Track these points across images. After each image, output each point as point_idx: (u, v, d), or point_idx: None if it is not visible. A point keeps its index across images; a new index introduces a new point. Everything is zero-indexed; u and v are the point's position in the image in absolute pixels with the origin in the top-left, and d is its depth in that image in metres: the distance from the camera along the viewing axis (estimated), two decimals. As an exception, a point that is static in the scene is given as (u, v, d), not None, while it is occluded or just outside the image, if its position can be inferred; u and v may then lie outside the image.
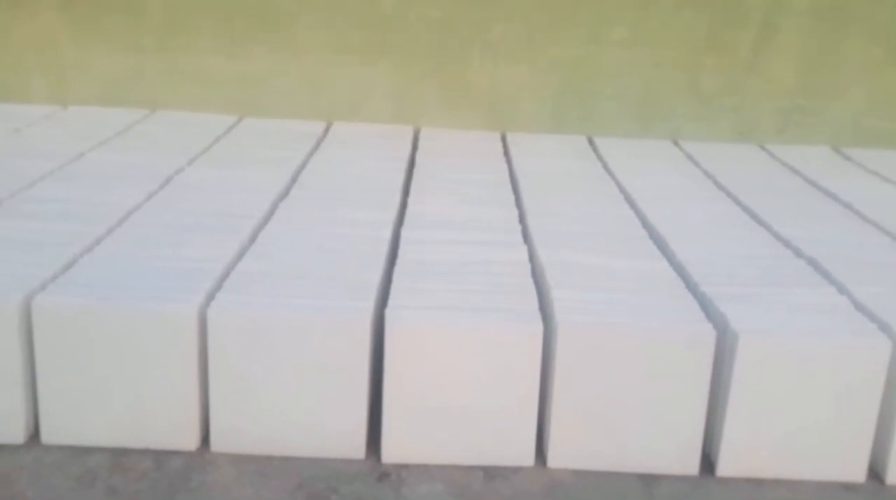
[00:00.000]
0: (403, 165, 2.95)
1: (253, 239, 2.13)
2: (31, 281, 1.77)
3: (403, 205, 2.51)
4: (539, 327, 1.72)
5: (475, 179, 2.80)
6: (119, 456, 1.71)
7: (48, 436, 1.73)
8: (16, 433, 1.72)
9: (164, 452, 1.73)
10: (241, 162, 2.84)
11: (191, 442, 1.74)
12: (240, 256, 2.01)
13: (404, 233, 2.23)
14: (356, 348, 1.71)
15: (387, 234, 2.22)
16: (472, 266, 2.01)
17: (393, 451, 1.74)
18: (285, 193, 2.55)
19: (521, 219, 2.40)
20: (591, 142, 3.42)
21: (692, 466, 1.76)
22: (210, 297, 1.76)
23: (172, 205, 2.34)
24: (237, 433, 1.74)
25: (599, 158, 3.18)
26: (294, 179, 2.70)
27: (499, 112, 3.49)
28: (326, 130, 3.38)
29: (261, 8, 3.40)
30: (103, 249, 1.99)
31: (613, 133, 3.48)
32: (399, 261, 2.03)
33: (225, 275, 1.89)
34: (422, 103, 3.47)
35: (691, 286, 1.97)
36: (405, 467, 1.73)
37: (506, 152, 3.20)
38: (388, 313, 1.74)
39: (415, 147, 3.22)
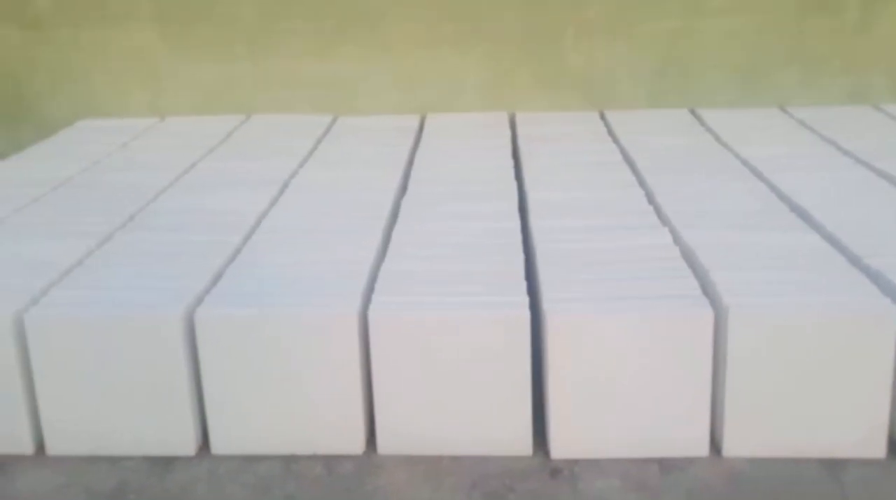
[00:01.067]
0: (508, 152, 2.90)
1: (387, 238, 2.12)
2: (186, 294, 1.78)
3: (521, 192, 2.46)
4: (709, 312, 1.65)
5: (588, 161, 2.73)
6: (289, 463, 1.71)
7: (218, 446, 1.75)
8: (187, 445, 1.74)
9: (333, 457, 1.72)
10: (347, 161, 2.83)
11: (357, 446, 1.73)
12: (380, 256, 2.00)
13: (534, 222, 2.18)
14: (517, 343, 1.67)
15: (515, 224, 2.18)
16: (617, 253, 1.95)
17: (562, 446, 1.70)
18: (401, 189, 2.53)
19: (650, 199, 2.33)
20: (694, 114, 3.31)
21: (879, 449, 1.67)
22: (366, 299, 1.75)
23: (297, 209, 2.34)
24: (403, 434, 1.72)
25: (709, 130, 3.07)
26: (405, 175, 2.68)
27: (595, 91, 3.41)
28: (422, 123, 3.35)
29: (350, 6, 3.38)
30: (245, 257, 2.00)
31: (715, 104, 3.36)
32: (539, 252, 1.98)
33: (373, 276, 1.87)
34: (516, 88, 3.41)
35: (852, 259, 1.87)
36: (576, 462, 1.69)
37: (610, 131, 3.11)
38: (547, 307, 1.70)
39: (514, 133, 3.16)
